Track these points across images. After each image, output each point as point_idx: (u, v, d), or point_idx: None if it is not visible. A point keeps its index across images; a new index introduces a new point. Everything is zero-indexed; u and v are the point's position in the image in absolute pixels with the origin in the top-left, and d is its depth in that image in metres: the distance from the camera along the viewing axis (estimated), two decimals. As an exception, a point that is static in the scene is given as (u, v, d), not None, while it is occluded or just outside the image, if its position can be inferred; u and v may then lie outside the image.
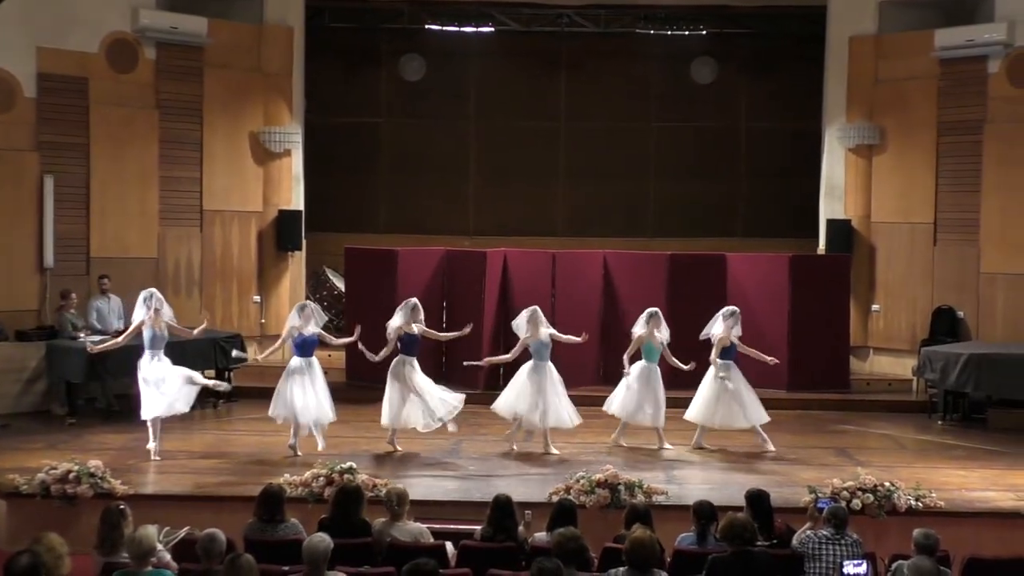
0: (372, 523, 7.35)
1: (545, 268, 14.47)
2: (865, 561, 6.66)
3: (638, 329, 11.55)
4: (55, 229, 13.77)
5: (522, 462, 10.84)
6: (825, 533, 7.02)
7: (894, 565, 6.80)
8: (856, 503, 8.81)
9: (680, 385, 11.91)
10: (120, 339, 11.16)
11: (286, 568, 6.51)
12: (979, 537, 8.62)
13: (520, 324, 11.30)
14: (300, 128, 16.02)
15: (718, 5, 16.87)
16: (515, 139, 18.20)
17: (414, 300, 11.30)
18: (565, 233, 18.15)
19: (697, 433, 11.61)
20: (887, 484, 9.04)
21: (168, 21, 14.65)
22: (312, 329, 10.92)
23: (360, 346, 11.14)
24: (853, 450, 11.62)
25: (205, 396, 12.33)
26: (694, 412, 11.56)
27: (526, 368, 11.26)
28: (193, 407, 11.25)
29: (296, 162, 16.02)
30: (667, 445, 11.52)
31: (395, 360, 11.12)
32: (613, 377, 13.46)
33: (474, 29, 17.66)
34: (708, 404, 11.46)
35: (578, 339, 11.44)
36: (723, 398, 11.39)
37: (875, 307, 15.61)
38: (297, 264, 16.09)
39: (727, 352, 11.44)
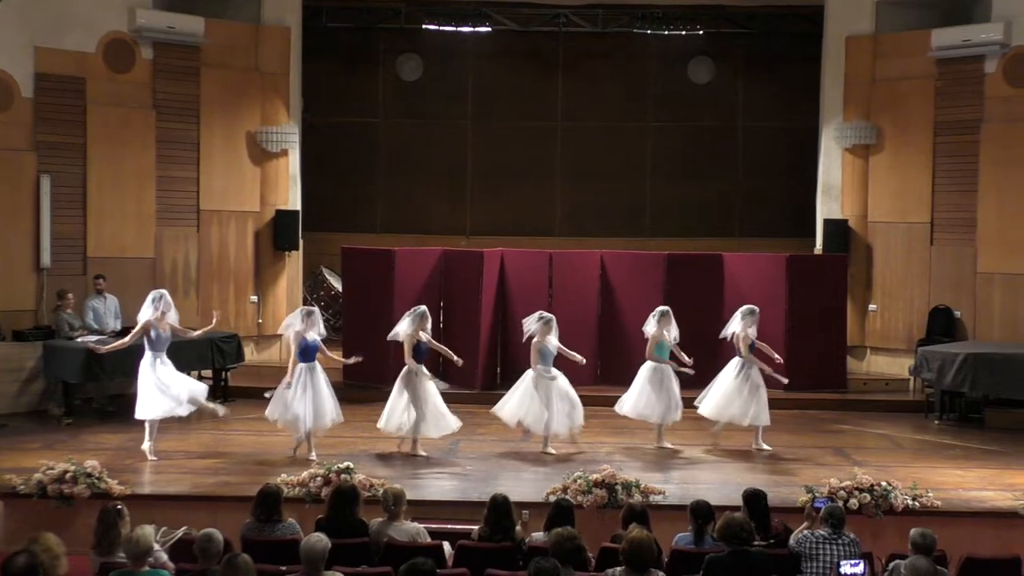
0: (369, 523, 7.35)
1: (542, 268, 14.48)
2: (862, 561, 6.67)
3: (650, 328, 11.55)
4: (52, 229, 13.76)
5: (519, 462, 10.84)
6: (822, 533, 7.03)
7: (891, 565, 6.81)
8: (853, 503, 8.83)
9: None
10: (127, 339, 11.06)
11: (283, 568, 6.52)
12: (976, 536, 8.63)
13: (531, 325, 11.23)
14: (297, 128, 16.01)
15: (715, 5, 16.88)
16: (512, 139, 18.21)
17: (423, 308, 11.17)
18: (562, 233, 18.16)
19: (718, 427, 11.61)
20: (884, 484, 9.06)
21: (165, 21, 14.64)
22: (314, 336, 10.83)
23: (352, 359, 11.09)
24: (850, 450, 11.63)
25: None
26: (712, 408, 11.55)
27: (530, 375, 11.23)
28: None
29: (293, 162, 16.02)
30: (666, 444, 11.52)
31: (405, 368, 11.03)
32: (610, 377, 13.54)
33: (471, 29, 17.65)
34: (728, 399, 11.45)
35: (580, 359, 11.44)
36: (743, 395, 11.40)
37: (872, 307, 15.62)
38: (294, 264, 16.09)
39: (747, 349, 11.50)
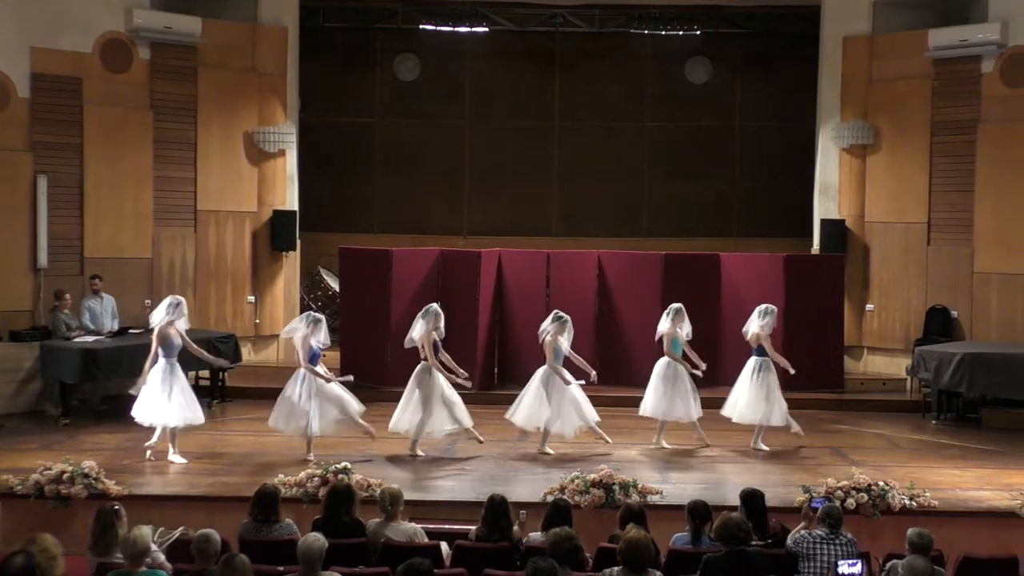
0: (366, 523, 7.35)
1: (540, 268, 14.49)
2: (860, 561, 6.67)
3: (664, 326, 11.56)
4: (49, 229, 13.74)
5: (517, 462, 10.84)
6: (820, 533, 7.03)
7: (888, 564, 6.82)
8: (850, 502, 8.84)
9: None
10: (154, 347, 10.69)
11: (281, 568, 6.51)
12: (973, 536, 8.65)
13: (546, 325, 11.21)
14: (295, 128, 16.00)
15: (712, 5, 16.88)
16: (509, 139, 18.21)
17: (435, 306, 11.14)
18: (560, 233, 18.16)
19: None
20: (881, 483, 9.07)
21: (162, 21, 14.62)
22: (317, 343, 10.79)
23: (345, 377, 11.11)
24: (847, 449, 11.65)
25: (199, 396, 12.28)
26: (739, 414, 11.58)
27: (540, 374, 11.23)
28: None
29: (290, 162, 16.01)
30: (664, 444, 11.52)
31: (419, 367, 11.00)
32: (608, 377, 13.49)
33: (468, 29, 17.66)
34: (755, 402, 11.48)
35: (590, 372, 11.48)
36: (761, 395, 11.45)
37: (869, 307, 15.63)
38: (291, 264, 16.09)
39: (762, 349, 11.53)
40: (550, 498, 8.45)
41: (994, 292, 14.58)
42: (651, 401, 11.58)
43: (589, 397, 11.35)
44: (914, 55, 15.08)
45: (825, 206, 15.95)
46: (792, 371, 11.71)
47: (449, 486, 9.93)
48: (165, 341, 10.59)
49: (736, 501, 7.59)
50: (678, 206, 18.04)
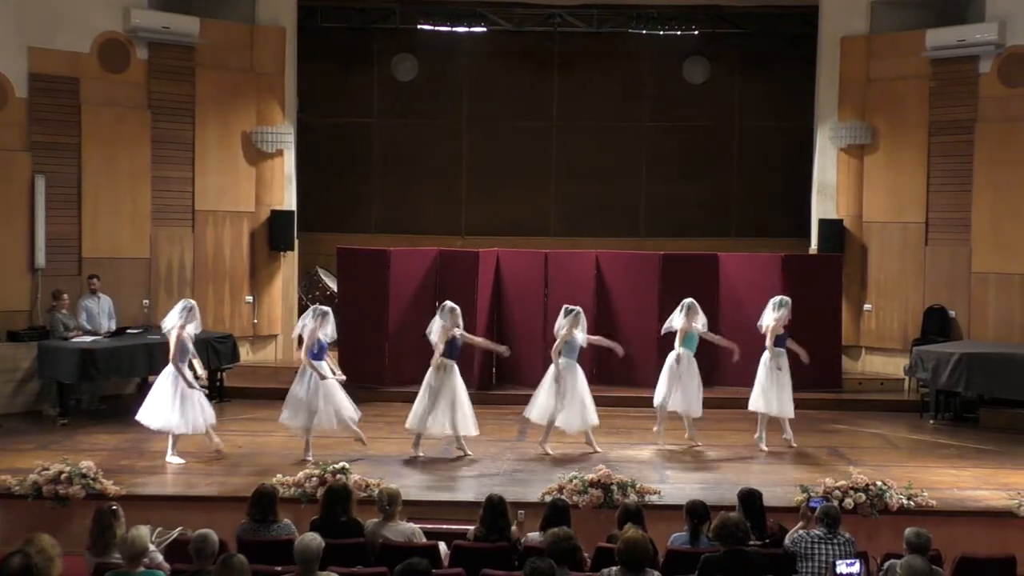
0: (364, 523, 7.35)
1: (537, 268, 14.49)
2: (858, 560, 6.67)
3: (678, 322, 11.59)
4: (47, 229, 13.72)
5: (515, 462, 10.84)
6: (818, 532, 7.03)
7: (886, 564, 6.82)
8: (848, 502, 8.85)
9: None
10: (172, 353, 10.62)
11: (279, 568, 6.51)
12: (971, 536, 8.65)
13: (560, 321, 11.24)
14: (292, 128, 16.00)
15: (710, 5, 16.87)
16: (507, 139, 18.19)
17: (450, 303, 11.15)
18: (557, 233, 18.14)
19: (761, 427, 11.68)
20: (879, 483, 9.08)
21: (160, 21, 14.61)
22: (324, 336, 10.79)
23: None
24: (845, 449, 11.65)
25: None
26: (757, 402, 11.67)
27: (552, 370, 11.21)
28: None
29: (288, 162, 16.00)
30: (660, 443, 11.53)
31: (440, 363, 10.99)
32: (606, 377, 13.53)
33: (466, 29, 17.66)
34: (766, 392, 11.55)
35: (616, 347, 11.58)
36: (773, 387, 11.49)
37: (867, 307, 15.64)
38: (289, 264, 16.08)
39: (780, 340, 11.56)
40: (548, 498, 8.45)
41: (992, 292, 14.59)
42: (675, 397, 11.64)
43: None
44: (912, 55, 15.09)
45: (823, 206, 15.96)
46: (807, 360, 11.74)
47: (446, 486, 9.93)
48: (179, 345, 10.59)
49: (734, 501, 7.59)
50: (676, 206, 18.02)
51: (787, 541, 7.17)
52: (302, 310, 16.14)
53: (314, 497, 8.82)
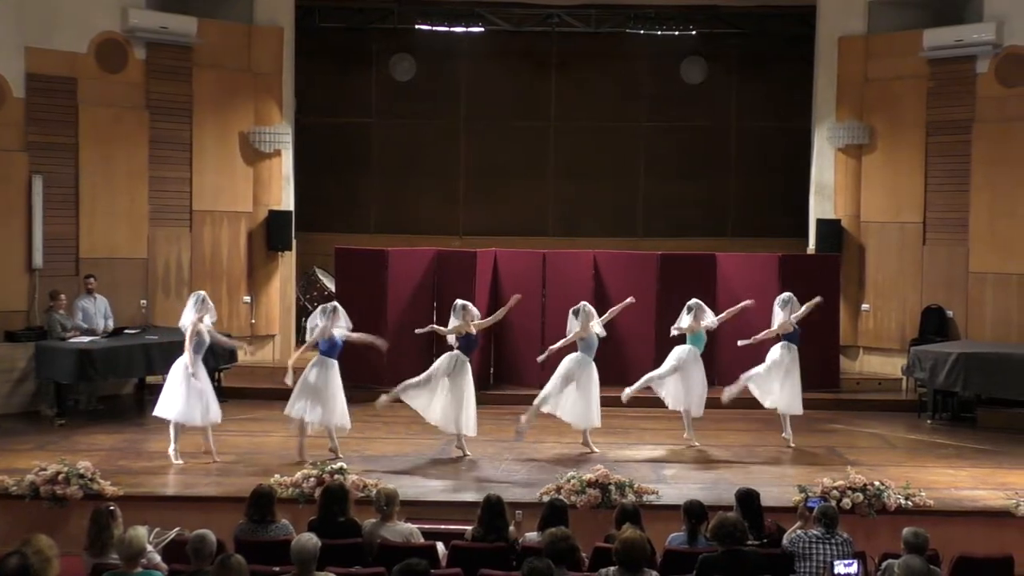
0: (362, 524, 7.35)
1: (535, 268, 14.48)
2: (855, 560, 6.68)
3: (685, 323, 11.62)
4: (44, 229, 13.71)
5: (513, 462, 10.84)
6: (815, 532, 7.03)
7: (884, 564, 6.82)
8: (846, 502, 8.84)
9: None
10: (187, 345, 10.66)
11: (277, 569, 6.51)
12: (968, 535, 8.65)
13: (571, 325, 11.28)
14: (290, 128, 15.99)
15: (708, 5, 16.88)
16: (505, 139, 18.20)
17: (461, 301, 11.20)
18: (555, 233, 18.15)
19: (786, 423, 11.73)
20: (877, 483, 9.08)
21: (157, 21, 14.61)
22: (339, 332, 10.77)
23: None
24: (843, 449, 11.65)
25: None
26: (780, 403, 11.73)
27: (568, 360, 11.26)
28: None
29: (286, 162, 15.99)
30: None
31: (451, 356, 11.05)
32: (603, 377, 13.46)
33: (464, 29, 17.66)
34: (782, 389, 11.64)
35: (629, 299, 11.71)
36: (779, 381, 11.56)
37: (865, 306, 15.64)
38: (287, 264, 16.06)
39: (791, 336, 11.59)
40: (546, 498, 8.44)
41: (989, 292, 14.60)
42: (671, 394, 11.71)
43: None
44: (909, 55, 15.09)
45: (821, 206, 15.96)
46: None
47: (444, 486, 9.92)
48: (197, 337, 10.61)
49: (732, 501, 7.59)
50: (674, 206, 18.04)
51: (785, 541, 7.17)
52: (300, 310, 16.23)
53: (312, 497, 8.81)
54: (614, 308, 11.68)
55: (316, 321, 10.83)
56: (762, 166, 17.95)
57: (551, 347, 11.69)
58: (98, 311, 13.54)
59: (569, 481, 9.16)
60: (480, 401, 11.96)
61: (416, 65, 18.16)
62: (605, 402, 11.88)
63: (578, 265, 14.60)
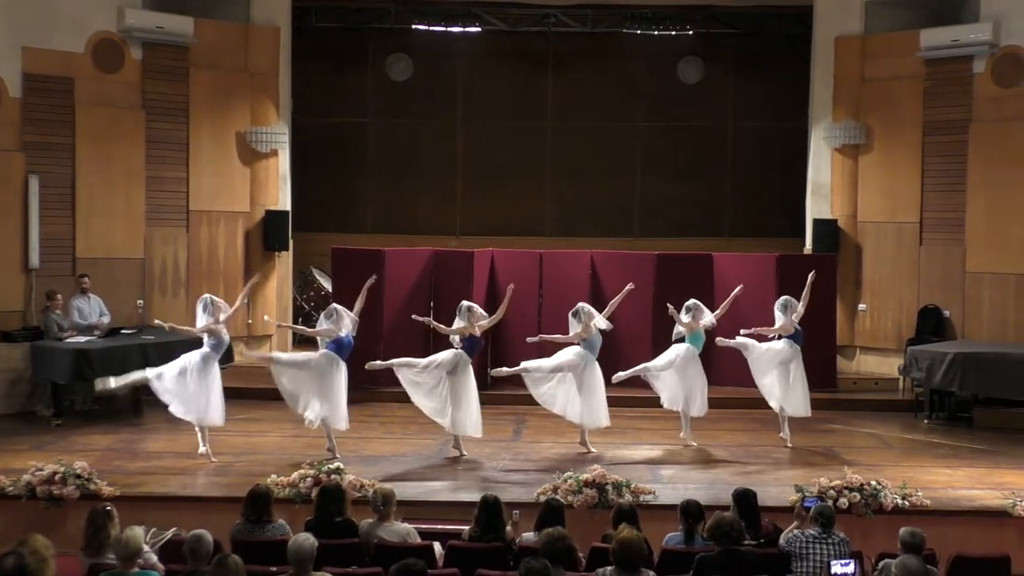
0: (359, 524, 7.34)
1: (532, 268, 14.48)
2: (852, 560, 6.68)
3: (684, 322, 11.61)
4: (40, 230, 13.70)
5: (510, 462, 10.84)
6: (812, 532, 7.03)
7: (881, 564, 6.82)
8: (843, 502, 8.85)
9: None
10: (196, 330, 10.91)
11: (274, 569, 6.51)
12: (965, 535, 8.65)
13: (572, 327, 11.25)
14: (287, 128, 15.99)
15: (705, 5, 16.89)
16: (502, 139, 18.20)
17: (467, 303, 11.20)
18: (552, 233, 18.15)
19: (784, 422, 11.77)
20: (874, 483, 9.08)
21: (154, 21, 14.60)
22: (346, 332, 10.79)
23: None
24: (840, 449, 11.64)
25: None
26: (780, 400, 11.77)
27: (573, 353, 11.23)
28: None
29: (283, 162, 15.99)
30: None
31: (454, 354, 11.03)
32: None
33: (461, 29, 17.65)
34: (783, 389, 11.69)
35: (629, 286, 11.71)
36: (781, 381, 11.59)
37: (861, 306, 15.66)
38: (284, 264, 16.06)
39: (795, 337, 11.62)
40: (543, 498, 8.45)
41: (986, 292, 14.61)
42: (669, 393, 11.72)
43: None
44: (906, 55, 15.11)
45: (817, 206, 15.97)
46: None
47: (441, 486, 9.91)
48: (214, 335, 10.68)
49: (729, 501, 7.59)
50: (671, 206, 18.04)
51: (782, 541, 7.17)
52: (297, 310, 16.23)
53: (308, 497, 8.79)
54: (615, 299, 11.65)
55: (322, 325, 10.86)
56: (759, 166, 17.96)
57: (548, 335, 11.67)
58: (92, 310, 13.50)
59: (566, 481, 9.15)
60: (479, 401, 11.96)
61: (413, 65, 18.15)
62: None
63: (575, 265, 14.61)
